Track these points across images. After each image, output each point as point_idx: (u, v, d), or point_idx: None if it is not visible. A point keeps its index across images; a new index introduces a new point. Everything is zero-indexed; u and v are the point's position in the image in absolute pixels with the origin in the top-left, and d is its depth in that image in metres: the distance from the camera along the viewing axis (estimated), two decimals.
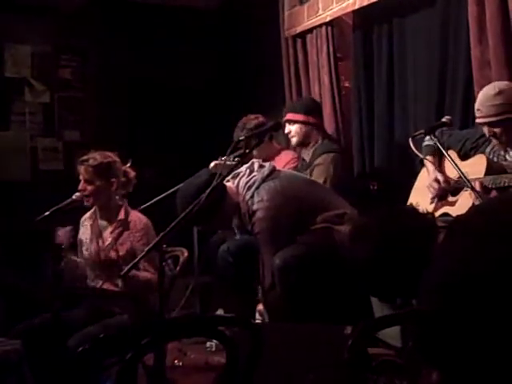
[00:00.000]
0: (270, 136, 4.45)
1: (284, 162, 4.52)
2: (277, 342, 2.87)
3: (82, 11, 6.07)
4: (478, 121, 3.35)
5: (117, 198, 3.57)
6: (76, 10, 6.05)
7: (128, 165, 3.64)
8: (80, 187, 3.48)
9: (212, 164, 3.93)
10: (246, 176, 3.58)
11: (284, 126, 4.48)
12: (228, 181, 3.58)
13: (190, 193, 3.39)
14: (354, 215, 3.69)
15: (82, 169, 3.48)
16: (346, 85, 5.14)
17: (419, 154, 3.27)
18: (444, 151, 3.12)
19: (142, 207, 4.22)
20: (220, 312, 4.21)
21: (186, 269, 3.84)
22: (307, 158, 4.46)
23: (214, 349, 3.87)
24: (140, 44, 6.26)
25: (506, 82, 3.33)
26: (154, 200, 4.26)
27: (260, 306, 3.85)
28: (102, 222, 3.57)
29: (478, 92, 3.83)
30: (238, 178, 3.60)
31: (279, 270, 3.48)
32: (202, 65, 6.45)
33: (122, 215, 3.51)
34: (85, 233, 3.63)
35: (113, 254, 3.46)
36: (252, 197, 3.54)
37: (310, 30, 5.19)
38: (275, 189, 3.59)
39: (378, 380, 2.39)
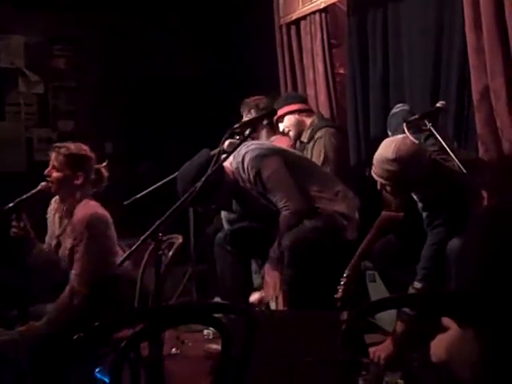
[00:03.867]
0: (271, 122, 4.50)
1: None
2: (274, 328, 2.89)
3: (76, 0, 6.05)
4: (372, 174, 3.33)
5: (82, 194, 3.44)
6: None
7: (103, 164, 3.55)
8: (46, 172, 3.40)
9: (227, 143, 3.92)
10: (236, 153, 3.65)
11: (277, 126, 4.62)
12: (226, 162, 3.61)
13: (191, 174, 3.47)
14: (347, 193, 3.74)
15: (53, 155, 3.41)
16: (341, 71, 5.13)
17: (414, 140, 3.26)
18: (438, 136, 3.12)
19: (137, 196, 4.23)
20: (217, 300, 4.22)
21: (182, 257, 3.85)
22: (305, 139, 4.47)
23: (211, 337, 3.87)
24: (136, 33, 6.24)
25: (406, 146, 3.21)
26: (150, 189, 4.26)
27: (253, 297, 3.85)
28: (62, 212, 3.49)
29: (474, 76, 3.85)
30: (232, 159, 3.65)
31: (289, 250, 3.54)
32: (199, 55, 6.42)
33: (67, 205, 3.42)
34: (51, 224, 3.56)
35: (62, 250, 3.42)
36: (243, 161, 3.63)
37: (304, 17, 5.18)
38: (259, 143, 3.79)
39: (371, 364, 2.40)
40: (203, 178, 2.93)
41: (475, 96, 3.87)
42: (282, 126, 4.59)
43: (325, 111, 4.94)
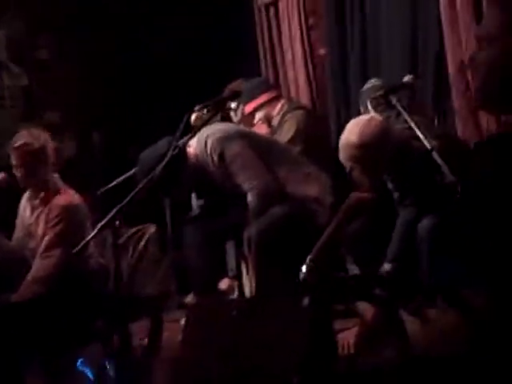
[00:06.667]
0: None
1: None
2: (244, 316, 2.84)
3: None
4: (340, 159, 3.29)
5: (54, 176, 3.46)
6: None
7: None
8: (13, 171, 3.42)
9: (193, 117, 3.91)
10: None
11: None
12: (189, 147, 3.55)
13: (150, 162, 3.38)
14: (319, 175, 3.68)
15: (11, 153, 3.42)
16: (322, 51, 5.03)
17: (380, 118, 3.20)
18: (404, 112, 3.04)
19: (109, 186, 4.18)
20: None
21: (160, 246, 3.81)
22: (276, 123, 4.35)
23: None
24: (118, 18, 6.17)
25: (371, 128, 3.14)
26: (123, 177, 4.22)
27: (223, 284, 3.80)
28: (35, 202, 3.46)
29: (449, 49, 3.79)
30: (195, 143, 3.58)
31: (255, 240, 3.46)
32: (180, 38, 6.34)
33: (42, 194, 3.39)
34: (21, 218, 3.53)
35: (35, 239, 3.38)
36: (205, 143, 3.55)
37: None
38: (223, 125, 3.76)
39: None
40: (163, 163, 2.89)
41: (451, 69, 3.83)
42: (255, 120, 4.40)
43: (304, 93, 4.88)
